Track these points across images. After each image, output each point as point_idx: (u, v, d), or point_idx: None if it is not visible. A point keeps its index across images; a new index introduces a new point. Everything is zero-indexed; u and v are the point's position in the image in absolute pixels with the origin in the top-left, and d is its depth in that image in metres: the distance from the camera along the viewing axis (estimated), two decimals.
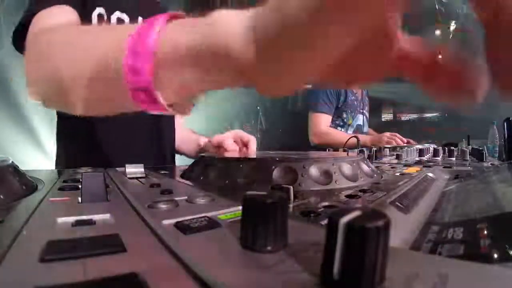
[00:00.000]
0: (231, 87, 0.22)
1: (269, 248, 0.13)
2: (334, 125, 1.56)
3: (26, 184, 0.29)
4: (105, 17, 0.61)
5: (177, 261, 0.13)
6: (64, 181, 0.33)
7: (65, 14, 0.50)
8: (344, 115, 1.57)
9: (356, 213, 0.10)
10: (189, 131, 0.84)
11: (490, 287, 0.10)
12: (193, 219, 0.18)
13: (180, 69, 0.21)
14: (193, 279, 0.11)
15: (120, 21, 0.63)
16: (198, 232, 0.16)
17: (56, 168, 0.70)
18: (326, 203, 0.25)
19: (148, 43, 0.21)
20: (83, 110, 0.30)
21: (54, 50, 0.32)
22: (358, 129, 1.63)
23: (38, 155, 2.10)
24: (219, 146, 0.66)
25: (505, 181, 0.38)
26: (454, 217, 0.24)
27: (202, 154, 0.43)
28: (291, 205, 0.24)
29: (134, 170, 0.39)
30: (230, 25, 0.19)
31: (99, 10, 0.60)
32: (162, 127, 0.71)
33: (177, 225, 0.17)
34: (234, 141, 0.66)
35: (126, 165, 0.40)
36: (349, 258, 0.10)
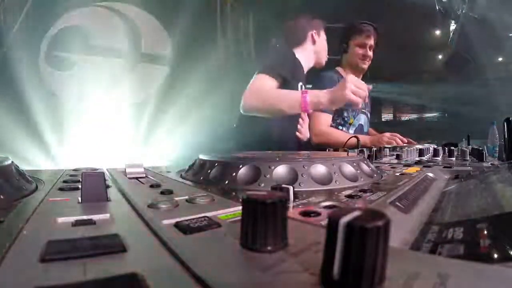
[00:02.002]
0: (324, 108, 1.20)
1: (269, 248, 0.13)
2: (335, 124, 1.55)
3: (26, 184, 0.29)
4: (302, 87, 1.29)
5: (177, 261, 0.13)
6: (64, 181, 0.33)
7: (272, 80, 1.17)
8: (345, 114, 1.56)
9: (356, 213, 0.10)
10: None
11: (490, 287, 0.10)
12: (193, 219, 0.18)
13: (314, 106, 1.09)
14: (193, 279, 0.11)
15: (301, 87, 1.30)
16: (198, 232, 0.16)
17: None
18: (326, 203, 0.25)
19: (307, 102, 1.06)
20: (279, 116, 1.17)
21: (273, 98, 1.15)
22: (360, 129, 1.63)
23: (40, 155, 2.10)
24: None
25: (505, 181, 0.38)
26: (454, 217, 0.24)
27: (201, 155, 0.43)
28: (291, 205, 0.24)
29: (134, 170, 0.39)
30: (322, 97, 1.06)
31: (300, 83, 1.29)
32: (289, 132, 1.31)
33: (177, 225, 0.17)
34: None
35: (126, 165, 0.40)
36: (349, 258, 0.10)
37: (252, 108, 1.16)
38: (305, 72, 1.40)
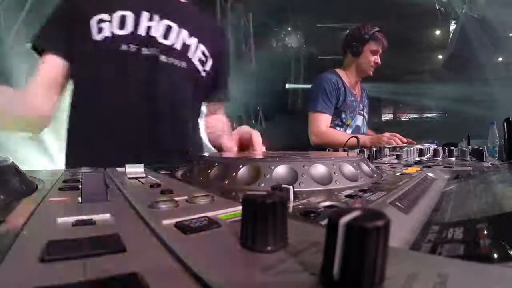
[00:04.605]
0: None
1: (269, 248, 0.13)
2: (333, 125, 1.56)
3: (26, 184, 0.29)
4: (108, 18, 0.71)
5: (177, 261, 0.13)
6: (64, 181, 0.33)
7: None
8: (343, 115, 1.57)
9: (356, 213, 0.10)
10: (222, 130, 0.92)
11: (490, 287, 0.10)
12: (193, 219, 0.18)
13: None
14: (193, 279, 0.11)
15: (123, 17, 0.72)
16: (198, 232, 0.16)
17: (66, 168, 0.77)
18: (326, 203, 0.25)
19: None
20: None
21: None
22: (357, 130, 1.63)
23: (42, 158, 2.10)
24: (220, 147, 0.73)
25: (505, 181, 0.38)
26: (454, 217, 0.24)
27: (202, 154, 0.43)
28: (291, 205, 0.24)
29: (134, 170, 0.39)
30: None
31: (99, 16, 0.70)
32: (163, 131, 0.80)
33: (177, 225, 0.17)
34: (236, 140, 0.68)
35: (126, 165, 0.40)
36: (349, 258, 0.10)
37: None
38: None
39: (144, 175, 0.39)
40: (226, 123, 1.00)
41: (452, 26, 4.12)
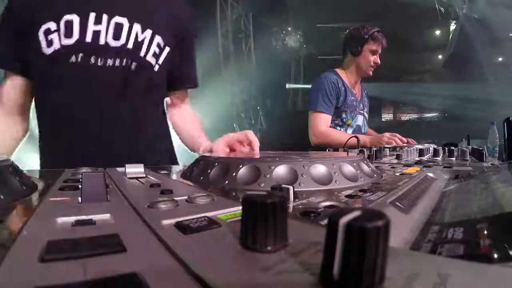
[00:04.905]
0: None
1: (269, 248, 0.13)
2: (334, 125, 1.56)
3: (26, 184, 0.29)
4: (55, 27, 0.68)
5: (177, 261, 0.13)
6: (64, 181, 0.33)
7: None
8: (344, 115, 1.57)
9: (356, 213, 0.10)
10: (197, 134, 0.89)
11: (490, 287, 0.10)
12: (193, 219, 0.18)
13: None
14: (193, 279, 0.11)
15: (69, 24, 0.68)
16: (198, 232, 0.16)
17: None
18: (326, 203, 0.25)
19: None
20: None
21: None
22: (358, 130, 1.63)
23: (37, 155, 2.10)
24: (211, 151, 0.72)
25: (505, 181, 0.38)
26: (454, 217, 0.24)
27: (203, 154, 0.43)
28: (291, 205, 0.24)
29: (134, 170, 0.39)
30: None
31: (46, 26, 0.68)
32: (141, 131, 0.78)
33: (177, 225, 0.17)
34: (232, 144, 0.70)
35: (126, 165, 0.40)
36: (349, 258, 0.10)
37: None
38: None
39: (144, 175, 0.39)
40: (194, 115, 0.96)
41: (452, 26, 4.12)
